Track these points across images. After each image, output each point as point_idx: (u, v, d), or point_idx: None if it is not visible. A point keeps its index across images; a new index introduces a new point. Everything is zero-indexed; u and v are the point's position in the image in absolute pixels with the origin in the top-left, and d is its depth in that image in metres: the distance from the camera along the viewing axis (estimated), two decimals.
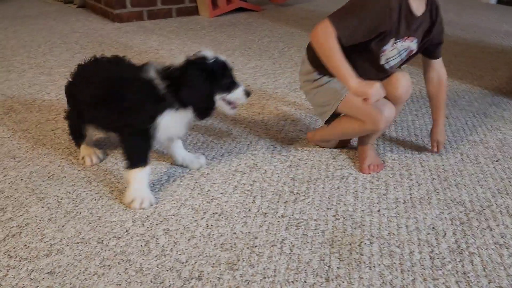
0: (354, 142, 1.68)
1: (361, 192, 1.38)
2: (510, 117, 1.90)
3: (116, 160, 1.55)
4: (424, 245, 1.15)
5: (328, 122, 1.51)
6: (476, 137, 1.73)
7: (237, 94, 1.39)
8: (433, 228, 1.22)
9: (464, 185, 1.42)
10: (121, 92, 1.32)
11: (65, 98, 1.54)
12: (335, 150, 1.63)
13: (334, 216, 1.27)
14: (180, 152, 1.51)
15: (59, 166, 1.51)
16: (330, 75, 1.42)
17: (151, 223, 1.23)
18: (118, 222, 1.23)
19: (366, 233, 1.20)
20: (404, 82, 1.43)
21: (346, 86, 1.30)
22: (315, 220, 1.25)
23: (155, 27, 3.43)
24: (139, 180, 1.32)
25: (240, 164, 1.53)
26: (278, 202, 1.33)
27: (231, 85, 1.38)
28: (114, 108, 1.33)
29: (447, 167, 1.52)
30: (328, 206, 1.31)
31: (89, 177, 1.45)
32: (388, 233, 1.20)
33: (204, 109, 1.36)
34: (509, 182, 1.43)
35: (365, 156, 1.51)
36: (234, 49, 2.79)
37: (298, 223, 1.24)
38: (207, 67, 1.32)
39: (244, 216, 1.26)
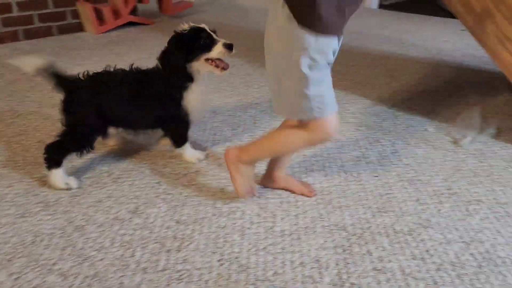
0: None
1: (248, 228, 1.34)
2: (388, 127, 2.01)
3: None
4: (307, 282, 1.14)
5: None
6: (359, 152, 1.79)
7: (217, 49, 1.51)
8: (317, 260, 1.22)
9: (347, 206, 1.45)
10: (149, 89, 1.54)
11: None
12: (222, 182, 1.58)
13: (219, 261, 1.21)
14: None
15: None
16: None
17: None
18: None
19: (251, 276, 1.16)
20: None
21: None
22: (198, 269, 1.18)
23: (33, 49, 3.13)
24: (188, 150, 1.69)
25: (120, 210, 1.41)
26: (160, 252, 1.24)
27: (210, 44, 1.51)
28: (146, 105, 1.56)
29: (332, 188, 1.55)
30: (214, 250, 1.25)
31: None
32: (273, 273, 1.17)
33: (179, 73, 1.52)
34: (388, 198, 1.49)
35: (294, 184, 1.51)
36: None
37: (181, 275, 1.16)
38: (180, 36, 1.50)
39: (121, 276, 1.15)
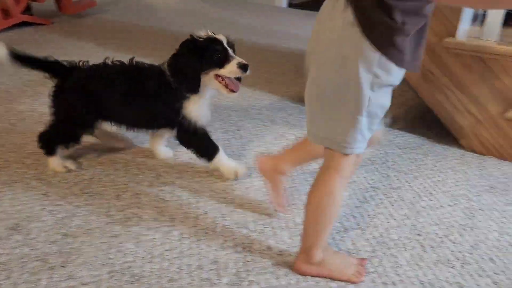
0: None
1: (144, 235, 1.26)
2: (294, 121, 2.03)
3: None
4: (205, 286, 1.09)
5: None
6: (264, 147, 1.78)
7: (229, 68, 1.36)
8: (216, 261, 1.17)
9: (249, 203, 1.43)
10: (147, 88, 1.41)
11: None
12: (119, 187, 1.47)
13: (110, 273, 1.12)
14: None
15: None
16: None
17: None
18: None
19: (144, 286, 1.08)
20: None
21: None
22: (85, 284, 1.08)
23: None
24: (223, 160, 1.50)
25: None
26: (40, 271, 1.11)
27: (223, 60, 1.36)
28: (138, 103, 1.44)
29: (236, 186, 1.51)
30: (104, 262, 1.15)
31: None
32: (169, 280, 1.10)
33: (190, 83, 1.37)
34: (290, 191, 1.49)
35: (279, 189, 1.34)
36: (12, 75, 2.38)
37: None
38: (195, 44, 1.35)
39: None
